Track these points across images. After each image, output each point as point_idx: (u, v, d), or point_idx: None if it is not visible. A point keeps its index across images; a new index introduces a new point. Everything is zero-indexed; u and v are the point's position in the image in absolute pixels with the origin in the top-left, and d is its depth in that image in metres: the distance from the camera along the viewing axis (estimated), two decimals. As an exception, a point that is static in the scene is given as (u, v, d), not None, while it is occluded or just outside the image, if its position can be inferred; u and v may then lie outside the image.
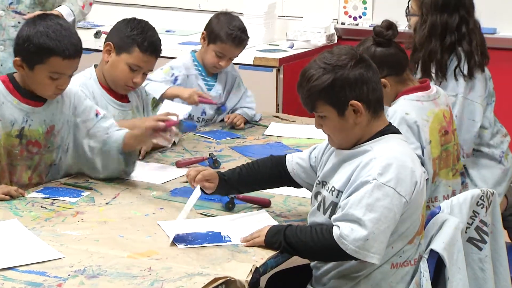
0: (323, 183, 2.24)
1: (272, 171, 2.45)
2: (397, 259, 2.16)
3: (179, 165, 2.90)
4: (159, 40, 2.94)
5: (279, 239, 2.15)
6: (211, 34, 3.40)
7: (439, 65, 3.06)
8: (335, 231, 2.07)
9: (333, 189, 2.18)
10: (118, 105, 2.95)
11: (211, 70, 3.48)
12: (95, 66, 2.99)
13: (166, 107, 2.94)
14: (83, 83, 2.88)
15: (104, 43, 2.93)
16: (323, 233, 2.11)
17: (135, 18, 2.95)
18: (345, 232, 2.06)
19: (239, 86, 3.57)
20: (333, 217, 2.12)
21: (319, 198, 2.23)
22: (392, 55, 2.65)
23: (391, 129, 2.21)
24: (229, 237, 2.25)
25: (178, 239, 2.23)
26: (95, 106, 2.75)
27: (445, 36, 2.98)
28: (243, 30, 3.43)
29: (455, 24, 2.98)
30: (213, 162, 2.89)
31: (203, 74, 3.48)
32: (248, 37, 3.48)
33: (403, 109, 2.34)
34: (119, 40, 2.87)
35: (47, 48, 2.50)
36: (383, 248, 2.07)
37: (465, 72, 3.07)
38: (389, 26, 2.67)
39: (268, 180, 2.47)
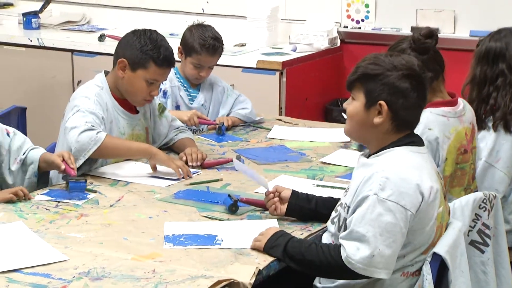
0: (341, 202, 2.25)
1: None
2: (409, 268, 2.16)
3: (205, 165, 2.91)
4: (172, 50, 2.94)
5: (278, 254, 2.16)
6: (185, 47, 3.43)
7: (476, 115, 2.98)
8: (343, 252, 2.08)
9: (345, 205, 2.18)
10: (128, 116, 2.96)
11: (193, 81, 3.51)
12: (106, 73, 2.97)
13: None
14: (98, 94, 2.88)
15: (116, 58, 2.90)
16: (331, 254, 2.11)
17: (144, 31, 2.92)
18: (351, 252, 2.06)
19: (229, 96, 3.58)
20: (340, 235, 2.12)
21: (336, 214, 2.23)
22: (424, 62, 2.53)
23: (405, 141, 2.18)
24: (221, 240, 2.25)
25: (168, 239, 2.24)
26: (3, 125, 2.72)
27: (484, 87, 2.95)
28: (215, 38, 3.44)
29: (494, 76, 2.94)
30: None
31: (185, 85, 3.51)
32: (223, 44, 3.49)
33: (427, 123, 2.31)
34: (133, 56, 2.85)
35: None
36: (391, 262, 2.07)
37: (489, 124, 2.97)
38: (429, 35, 2.68)
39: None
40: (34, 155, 2.68)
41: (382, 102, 2.14)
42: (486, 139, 2.95)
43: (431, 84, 2.60)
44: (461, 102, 2.77)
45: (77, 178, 2.60)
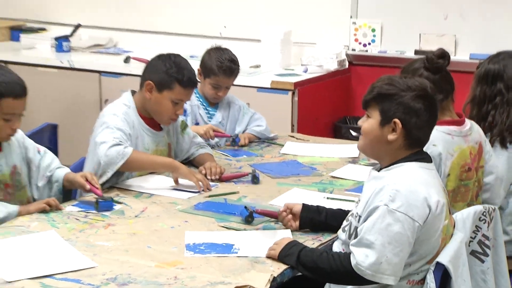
0: (352, 213, 2.25)
1: None
2: (415, 277, 2.15)
3: (223, 178, 2.92)
4: (194, 72, 2.97)
5: (291, 262, 2.16)
6: (204, 69, 3.45)
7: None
8: (352, 260, 2.08)
9: (356, 215, 2.18)
10: (153, 133, 2.97)
11: (212, 100, 3.52)
12: (132, 92, 2.99)
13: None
14: (125, 112, 2.90)
15: (143, 81, 2.91)
16: (341, 261, 2.11)
17: (169, 55, 2.94)
18: (360, 259, 2.06)
19: (245, 114, 3.59)
20: (351, 242, 2.12)
21: (347, 223, 2.23)
22: (436, 81, 2.59)
23: (415, 156, 2.18)
24: (238, 249, 2.25)
25: (189, 248, 2.25)
26: (35, 144, 2.74)
27: (483, 106, 2.95)
28: (232, 61, 3.45)
29: (493, 95, 2.94)
30: (253, 178, 2.91)
31: (204, 104, 3.52)
32: (239, 66, 3.50)
33: (432, 139, 2.31)
34: (159, 78, 2.87)
35: None
36: (398, 269, 2.07)
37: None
38: (442, 55, 2.68)
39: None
40: (59, 174, 2.70)
41: (396, 120, 2.14)
42: None
43: (441, 103, 2.60)
44: (469, 123, 2.76)
45: (105, 197, 2.61)
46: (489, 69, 2.95)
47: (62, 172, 2.70)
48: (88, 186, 2.62)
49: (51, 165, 2.71)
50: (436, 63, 2.67)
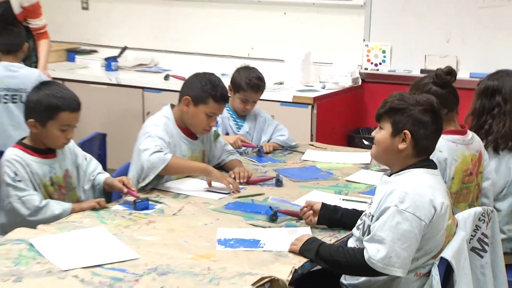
0: (366, 213, 2.23)
1: None
2: (421, 270, 2.13)
3: (250, 182, 2.91)
4: (226, 88, 2.97)
5: (311, 256, 2.14)
6: (234, 85, 3.44)
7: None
8: (365, 254, 2.06)
9: (369, 214, 2.17)
10: (189, 142, 2.97)
11: (241, 113, 3.51)
12: (172, 106, 2.99)
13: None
14: (165, 123, 2.90)
15: (181, 96, 2.91)
16: (355, 255, 2.10)
17: (204, 74, 2.93)
18: (373, 253, 2.04)
19: (269, 125, 3.57)
20: (364, 239, 2.11)
21: (361, 222, 2.22)
22: (443, 95, 2.60)
23: (422, 163, 2.16)
24: (264, 244, 2.24)
25: (220, 242, 2.24)
26: (83, 152, 2.76)
27: (482, 116, 2.93)
28: (259, 78, 3.44)
29: (491, 107, 2.93)
30: (277, 181, 2.90)
31: (234, 116, 3.51)
32: (265, 83, 3.49)
33: (439, 146, 2.28)
34: (196, 94, 2.86)
35: (55, 106, 2.51)
36: (407, 263, 2.05)
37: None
38: (449, 72, 2.66)
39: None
40: (100, 179, 2.71)
41: (406, 131, 2.12)
42: None
43: (447, 114, 2.59)
44: (470, 133, 2.73)
45: (141, 198, 2.61)
46: (489, 85, 2.93)
47: (102, 177, 2.72)
48: (125, 190, 2.63)
49: (95, 171, 2.73)
50: (444, 78, 2.65)
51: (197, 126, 2.94)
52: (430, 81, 2.67)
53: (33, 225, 2.38)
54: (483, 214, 2.31)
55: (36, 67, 4.20)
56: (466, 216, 2.26)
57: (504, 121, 2.88)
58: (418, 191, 2.07)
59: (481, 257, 2.31)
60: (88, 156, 2.77)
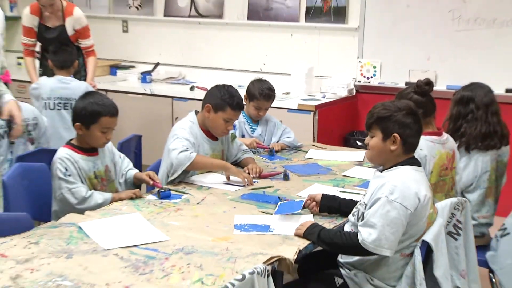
0: (360, 202, 2.22)
1: None
2: (405, 251, 2.12)
3: (262, 176, 2.90)
4: (242, 98, 2.94)
5: (313, 239, 2.13)
6: (249, 95, 3.43)
7: None
8: (359, 237, 2.05)
9: (363, 203, 2.15)
10: (210, 142, 2.96)
11: (254, 118, 3.49)
12: (196, 112, 2.98)
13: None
14: (190, 126, 2.90)
15: (204, 104, 2.91)
16: (351, 238, 2.09)
17: (223, 85, 2.92)
18: (365, 236, 2.03)
19: (278, 128, 3.56)
20: (359, 224, 2.10)
21: (356, 210, 2.21)
22: (422, 102, 2.62)
23: (409, 161, 2.15)
24: (273, 229, 2.23)
25: (237, 227, 2.24)
26: (118, 151, 2.77)
27: (458, 121, 2.92)
28: (270, 89, 3.42)
29: (466, 113, 2.91)
30: (284, 176, 2.89)
31: (248, 121, 3.49)
32: (275, 93, 3.46)
33: (419, 145, 2.27)
34: (216, 102, 2.85)
35: (97, 111, 2.53)
36: (394, 245, 2.04)
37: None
38: (428, 83, 2.67)
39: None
40: (131, 174, 2.73)
41: (395, 134, 2.11)
42: None
43: (425, 118, 2.60)
44: (446, 135, 2.74)
45: (164, 188, 2.62)
46: (464, 95, 2.92)
47: (132, 172, 2.73)
48: (151, 182, 2.64)
49: (127, 167, 2.75)
50: (423, 88, 2.66)
51: (216, 129, 2.93)
52: (412, 90, 2.69)
53: (80, 211, 2.39)
54: (458, 204, 2.30)
55: (85, 80, 4.22)
56: (444, 205, 2.25)
57: (475, 125, 2.87)
58: (405, 185, 2.06)
59: (456, 239, 2.29)
60: (122, 155, 2.78)
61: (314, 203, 2.40)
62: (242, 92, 3.32)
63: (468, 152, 2.88)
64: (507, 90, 4.23)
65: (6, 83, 3.19)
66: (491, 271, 2.64)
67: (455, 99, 2.94)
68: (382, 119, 2.13)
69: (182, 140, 2.81)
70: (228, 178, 2.83)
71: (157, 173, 2.74)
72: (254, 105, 3.43)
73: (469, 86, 2.96)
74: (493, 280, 2.65)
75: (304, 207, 2.43)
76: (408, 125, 2.11)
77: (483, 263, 2.61)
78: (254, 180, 2.85)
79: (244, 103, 3.12)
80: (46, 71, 4.20)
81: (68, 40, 4.17)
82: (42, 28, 4.21)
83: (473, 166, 2.88)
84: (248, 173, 2.88)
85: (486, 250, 2.67)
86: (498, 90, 4.21)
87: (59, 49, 3.93)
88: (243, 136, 3.47)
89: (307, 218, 2.33)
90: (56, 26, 4.20)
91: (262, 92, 3.39)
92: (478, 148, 2.86)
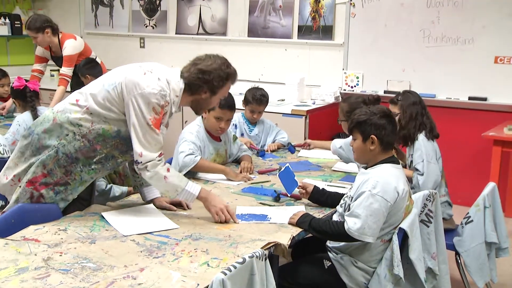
0: (347, 195, 2.20)
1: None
2: (385, 237, 2.10)
3: (260, 172, 2.87)
4: (231, 100, 2.87)
5: (305, 227, 2.11)
6: (245, 100, 3.42)
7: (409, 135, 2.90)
8: (345, 226, 2.03)
9: (349, 196, 2.13)
10: (215, 143, 2.94)
11: (251, 120, 3.47)
12: (202, 117, 2.94)
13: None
14: (197, 130, 2.87)
15: None
16: (338, 226, 2.07)
17: None
18: (351, 225, 2.01)
19: (273, 130, 3.54)
20: (345, 214, 2.08)
21: (343, 202, 2.18)
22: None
23: (389, 160, 2.13)
24: (270, 218, 2.21)
25: (238, 216, 2.21)
26: None
27: (415, 119, 2.90)
28: (263, 95, 3.39)
29: (418, 113, 2.89)
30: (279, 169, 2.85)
31: (247, 123, 3.47)
32: (267, 99, 3.43)
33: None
34: None
35: None
36: (376, 233, 2.02)
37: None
38: (377, 99, 2.74)
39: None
40: None
41: (373, 136, 2.09)
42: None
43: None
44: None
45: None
46: (413, 100, 2.93)
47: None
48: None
49: None
50: (373, 100, 2.73)
51: (211, 128, 2.89)
52: (361, 100, 2.74)
53: (102, 202, 2.37)
54: (430, 195, 2.28)
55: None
56: (417, 196, 2.23)
57: (426, 121, 2.88)
58: (386, 180, 2.04)
59: (428, 226, 2.27)
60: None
61: (303, 191, 2.38)
62: (241, 99, 3.30)
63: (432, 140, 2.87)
64: (470, 98, 4.25)
65: (34, 90, 3.19)
66: (457, 253, 2.63)
67: (407, 103, 2.91)
68: (360, 123, 2.11)
69: (189, 143, 2.78)
70: (228, 178, 2.80)
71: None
72: (249, 108, 3.41)
73: (403, 94, 2.99)
74: (459, 261, 2.66)
75: (296, 198, 2.42)
76: (383, 126, 2.09)
77: (451, 246, 2.60)
78: (253, 175, 2.82)
79: (242, 107, 3.10)
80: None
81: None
82: (53, 58, 4.33)
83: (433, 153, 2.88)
84: (241, 172, 2.84)
85: (452, 235, 2.67)
86: (462, 97, 4.29)
87: (95, 63, 4.01)
88: (242, 135, 3.46)
89: (300, 209, 2.31)
90: (58, 56, 4.28)
91: (254, 97, 3.38)
92: (435, 137, 2.88)
